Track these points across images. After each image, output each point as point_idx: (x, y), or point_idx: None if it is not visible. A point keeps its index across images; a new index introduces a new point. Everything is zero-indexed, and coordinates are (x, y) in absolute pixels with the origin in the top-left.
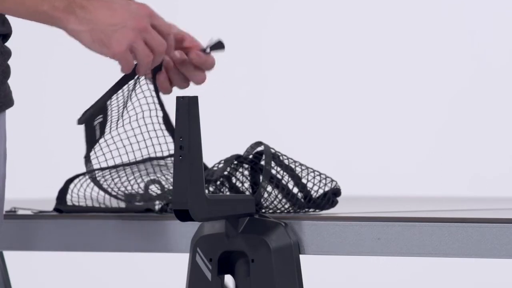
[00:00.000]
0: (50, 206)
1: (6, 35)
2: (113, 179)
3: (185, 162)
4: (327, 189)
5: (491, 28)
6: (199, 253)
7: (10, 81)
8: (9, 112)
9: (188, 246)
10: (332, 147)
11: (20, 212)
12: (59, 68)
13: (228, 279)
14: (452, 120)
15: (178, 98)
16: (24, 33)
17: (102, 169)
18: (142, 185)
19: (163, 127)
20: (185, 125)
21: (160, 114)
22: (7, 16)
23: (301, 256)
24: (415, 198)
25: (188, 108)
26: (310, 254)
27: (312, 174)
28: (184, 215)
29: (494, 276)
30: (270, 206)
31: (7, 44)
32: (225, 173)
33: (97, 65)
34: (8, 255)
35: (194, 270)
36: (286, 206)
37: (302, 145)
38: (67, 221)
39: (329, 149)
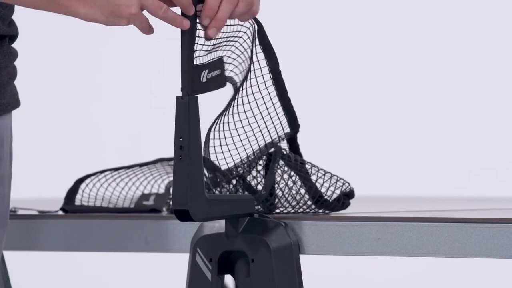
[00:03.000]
0: (50, 206)
1: (13, 37)
2: (130, 178)
3: (185, 162)
4: (338, 191)
5: (491, 30)
6: (199, 253)
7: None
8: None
9: (188, 246)
10: (332, 148)
11: (20, 212)
12: (60, 68)
13: (228, 279)
14: (451, 120)
15: (178, 98)
16: (26, 35)
17: (116, 169)
18: (162, 185)
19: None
20: (185, 125)
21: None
22: (14, 18)
23: (301, 256)
24: (415, 198)
25: (188, 108)
26: (310, 254)
27: (322, 176)
28: (184, 215)
29: (494, 276)
30: (277, 205)
31: (14, 45)
32: (241, 171)
33: (97, 64)
34: (8, 255)
35: (194, 270)
36: (293, 204)
37: (302, 145)
38: (67, 221)
39: (329, 150)
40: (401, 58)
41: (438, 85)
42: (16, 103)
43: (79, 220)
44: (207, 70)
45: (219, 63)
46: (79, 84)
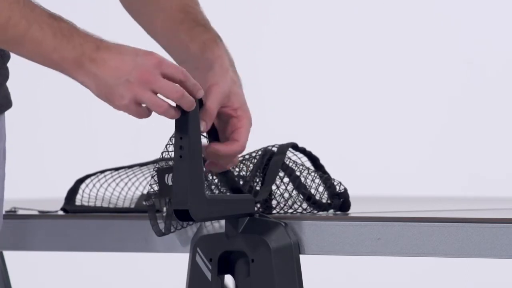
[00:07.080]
0: (50, 206)
1: None
2: (130, 179)
3: (185, 162)
4: (333, 191)
5: (489, 31)
6: (199, 253)
7: (8, 83)
8: (6, 113)
9: (188, 246)
10: (332, 148)
11: (20, 212)
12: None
13: (228, 279)
14: (452, 120)
15: None
16: None
17: (116, 169)
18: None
19: None
20: (185, 125)
21: None
22: None
23: (301, 256)
24: (415, 198)
25: None
26: (310, 254)
27: (314, 179)
28: (184, 215)
29: (494, 276)
30: (274, 206)
31: None
32: (243, 173)
33: None
34: (8, 255)
35: (194, 270)
36: (290, 203)
37: (303, 145)
38: (67, 221)
39: (330, 150)
40: (402, 59)
41: (438, 85)
42: (8, 104)
43: (79, 220)
44: None
45: None
46: (78, 83)
